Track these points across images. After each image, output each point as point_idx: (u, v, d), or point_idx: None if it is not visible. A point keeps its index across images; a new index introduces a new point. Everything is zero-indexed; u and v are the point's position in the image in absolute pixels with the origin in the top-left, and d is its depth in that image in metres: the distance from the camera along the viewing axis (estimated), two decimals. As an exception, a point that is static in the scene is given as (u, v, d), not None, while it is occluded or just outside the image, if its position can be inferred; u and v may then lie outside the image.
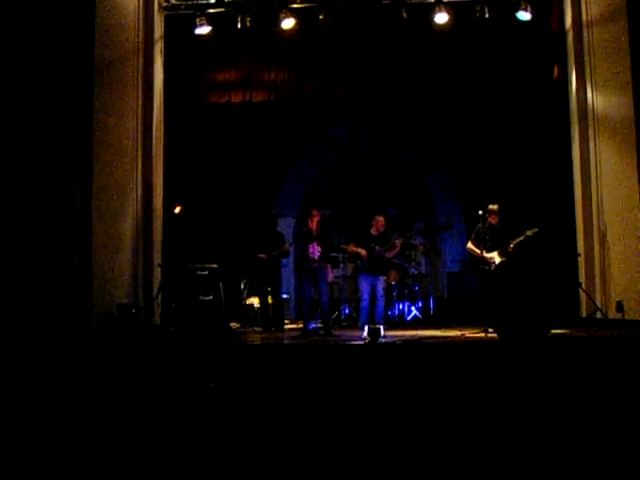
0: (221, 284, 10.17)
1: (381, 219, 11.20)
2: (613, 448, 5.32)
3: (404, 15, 11.68)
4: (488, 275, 10.22)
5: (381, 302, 11.00)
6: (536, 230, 10.17)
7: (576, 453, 5.29)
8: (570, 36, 11.60)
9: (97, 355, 7.75)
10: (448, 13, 11.50)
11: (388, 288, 12.89)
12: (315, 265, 10.61)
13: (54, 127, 9.08)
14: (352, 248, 11.21)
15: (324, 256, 10.75)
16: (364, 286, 11.05)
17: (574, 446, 5.44)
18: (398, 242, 11.25)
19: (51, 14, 9.12)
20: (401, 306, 13.34)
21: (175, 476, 5.21)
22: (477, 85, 12.27)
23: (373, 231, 11.17)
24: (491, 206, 10.54)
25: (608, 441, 5.48)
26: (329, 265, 11.34)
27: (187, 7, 12.17)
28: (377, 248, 10.96)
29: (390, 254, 11.27)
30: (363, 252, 10.92)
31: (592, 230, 11.16)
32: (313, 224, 10.76)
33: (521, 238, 10.19)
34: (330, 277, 11.35)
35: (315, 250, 10.60)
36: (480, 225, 10.38)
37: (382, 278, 11.18)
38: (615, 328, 9.86)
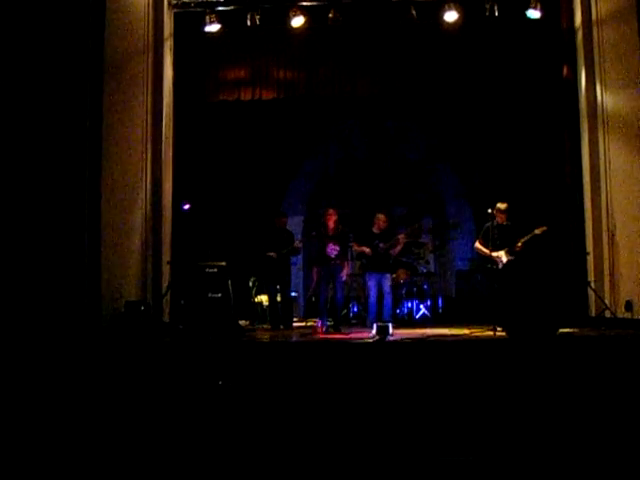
0: (230, 282, 10.17)
1: (382, 217, 11.19)
2: (621, 447, 5.32)
3: (413, 13, 11.69)
4: (496, 274, 10.22)
5: (388, 299, 11.00)
6: (545, 229, 10.14)
7: (584, 451, 5.29)
8: (580, 35, 11.57)
9: (106, 352, 7.78)
10: (457, 11, 11.50)
11: (397, 286, 12.88)
12: (332, 263, 10.71)
13: (64, 124, 9.11)
14: (355, 247, 11.26)
15: (341, 255, 10.82)
16: (371, 284, 11.06)
17: (582, 444, 5.44)
18: (401, 237, 11.20)
19: (61, 13, 9.14)
20: (410, 304, 13.32)
21: (183, 472, 5.22)
22: (486, 84, 12.25)
23: (375, 229, 11.16)
24: (499, 205, 10.49)
25: (616, 440, 5.48)
26: (346, 261, 11.35)
27: (197, 5, 12.21)
28: (381, 245, 10.95)
29: (395, 250, 11.21)
30: (367, 250, 10.93)
31: (601, 229, 11.13)
32: (330, 223, 10.87)
33: (529, 237, 10.16)
34: (344, 273, 11.25)
35: (332, 249, 10.71)
36: (489, 224, 10.36)
37: (388, 275, 11.17)
38: (624, 327, 9.84)
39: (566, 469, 5.01)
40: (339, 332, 10.49)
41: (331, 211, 11.00)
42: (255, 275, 12.97)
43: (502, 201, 10.58)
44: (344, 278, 11.20)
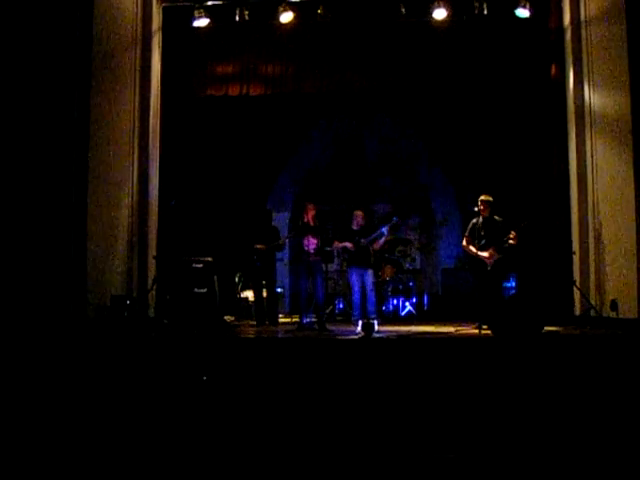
0: (216, 277, 10.17)
1: (360, 213, 11.05)
2: (605, 444, 5.34)
3: (402, 10, 11.70)
4: (483, 272, 10.21)
5: (371, 295, 10.83)
6: (525, 223, 10.04)
7: (568, 449, 5.31)
8: (568, 34, 11.60)
9: (91, 346, 7.75)
10: (446, 9, 11.50)
11: (382, 283, 12.89)
12: (311, 258, 10.58)
13: (51, 118, 9.07)
14: (337, 244, 11.13)
15: (319, 250, 10.73)
16: (354, 279, 10.92)
17: (566, 442, 5.46)
18: (385, 228, 11.06)
19: (50, 5, 9.10)
20: (395, 301, 13.36)
21: (168, 467, 5.21)
22: (474, 82, 12.25)
23: (354, 226, 11.04)
24: (483, 197, 10.38)
25: (600, 437, 5.50)
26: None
27: (186, -1, 12.19)
28: (362, 241, 10.84)
29: (377, 245, 11.10)
30: (349, 244, 10.82)
31: (587, 228, 11.16)
32: (309, 218, 10.74)
33: (514, 235, 10.04)
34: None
35: (311, 243, 10.56)
36: (474, 221, 10.34)
37: (370, 271, 10.99)
38: (609, 326, 9.87)
39: (550, 466, 5.02)
40: (324, 329, 10.33)
41: (310, 206, 10.85)
42: (241, 271, 12.98)
43: (486, 194, 10.50)
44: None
